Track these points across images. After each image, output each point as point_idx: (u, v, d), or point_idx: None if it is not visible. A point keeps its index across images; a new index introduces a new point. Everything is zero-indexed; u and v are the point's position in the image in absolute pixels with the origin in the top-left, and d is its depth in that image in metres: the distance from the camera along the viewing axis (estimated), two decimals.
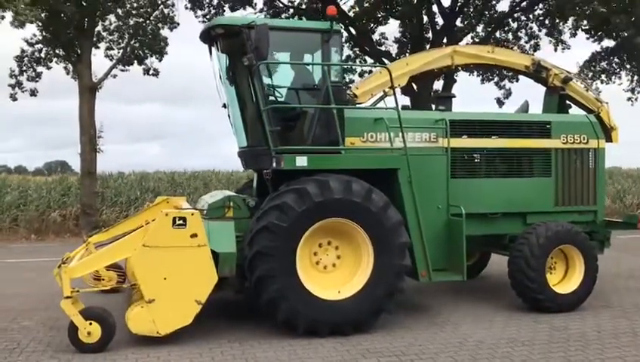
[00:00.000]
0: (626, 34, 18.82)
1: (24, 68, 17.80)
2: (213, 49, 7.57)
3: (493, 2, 21.22)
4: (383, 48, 21.98)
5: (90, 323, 5.77)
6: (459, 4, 20.32)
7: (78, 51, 16.94)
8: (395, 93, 7.22)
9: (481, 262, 9.70)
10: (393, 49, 22.11)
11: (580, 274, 7.51)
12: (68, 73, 18.20)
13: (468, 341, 6.27)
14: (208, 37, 7.40)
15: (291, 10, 21.07)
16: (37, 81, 17.97)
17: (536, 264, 7.21)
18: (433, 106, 8.67)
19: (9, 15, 13.98)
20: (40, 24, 16.11)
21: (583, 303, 7.59)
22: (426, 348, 6.00)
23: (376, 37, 22.26)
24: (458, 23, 21.45)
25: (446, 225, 7.37)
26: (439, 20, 20.82)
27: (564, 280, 7.59)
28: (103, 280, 7.73)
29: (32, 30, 19.46)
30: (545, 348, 6.04)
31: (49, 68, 17.94)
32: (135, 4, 17.63)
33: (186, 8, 18.81)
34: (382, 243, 6.47)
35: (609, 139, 8.56)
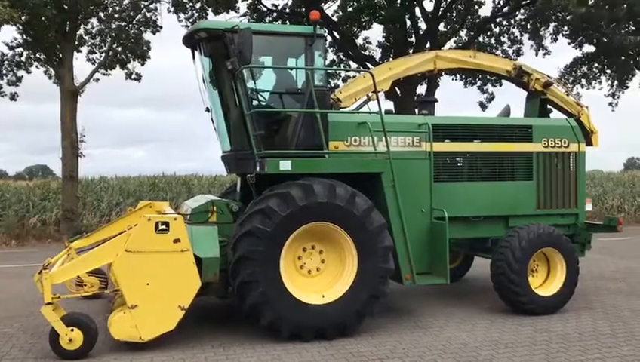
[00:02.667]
0: (607, 38, 19.14)
1: (4, 72, 17.57)
2: (197, 53, 7.56)
3: (476, 7, 21.43)
4: (366, 53, 22.08)
5: (72, 330, 5.70)
6: (442, 8, 20.48)
7: (60, 55, 16.77)
8: (378, 98, 7.26)
9: (464, 265, 9.77)
10: (377, 53, 22.26)
11: (562, 276, 7.59)
12: (50, 78, 18.03)
13: (451, 344, 6.30)
14: (191, 41, 7.38)
15: (275, 14, 21.08)
16: (17, 85, 17.77)
17: (518, 267, 7.27)
18: (416, 111, 8.71)
19: None
20: (20, 27, 15.94)
21: (565, 305, 7.67)
22: (410, 351, 6.02)
23: (359, 41, 22.38)
24: (441, 27, 21.64)
25: (429, 228, 7.41)
26: (422, 25, 20.98)
27: (546, 282, 7.66)
28: (85, 285, 7.66)
29: (12, 33, 19.28)
30: (527, 350, 6.09)
31: (29, 72, 17.75)
32: (117, 8, 17.52)
33: (169, 12, 18.74)
34: (366, 247, 6.49)
35: (589, 143, 8.68)
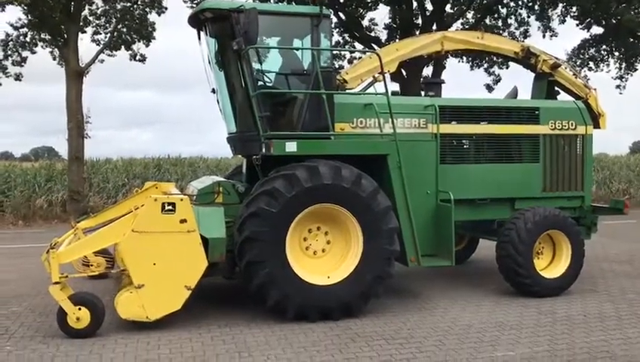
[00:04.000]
0: (616, 18, 18.91)
1: (9, 52, 17.53)
2: (202, 33, 7.51)
3: None
4: (372, 34, 21.90)
5: (79, 309, 5.75)
6: None
7: (65, 36, 16.70)
8: (384, 79, 7.22)
9: (469, 248, 9.78)
10: (383, 35, 22.06)
11: (567, 259, 7.59)
12: (54, 58, 17.98)
13: (456, 325, 6.33)
14: (197, 21, 7.33)
15: None
16: (22, 66, 17.73)
17: (523, 249, 7.27)
18: (422, 92, 8.66)
19: None
20: (25, 7, 15.87)
21: (570, 287, 7.69)
22: (415, 332, 6.06)
23: (365, 22, 22.19)
24: (448, 8, 21.39)
25: (435, 210, 7.41)
26: (429, 6, 20.76)
27: (551, 264, 7.67)
28: (92, 265, 7.70)
29: (17, 14, 19.18)
30: (532, 331, 6.11)
31: (34, 52, 17.71)
32: None
33: None
34: (371, 229, 6.49)
35: (597, 126, 8.62)
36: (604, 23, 21.23)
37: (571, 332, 6.07)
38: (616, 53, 23.11)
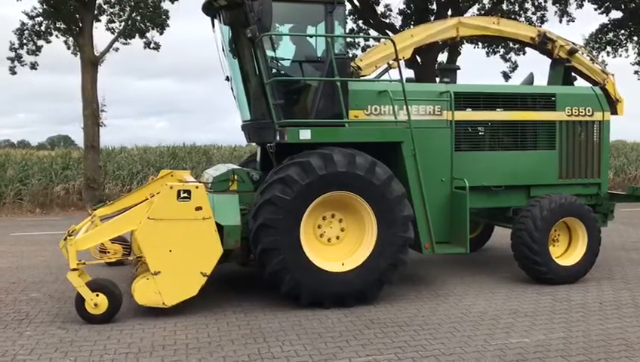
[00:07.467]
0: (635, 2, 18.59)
1: (24, 41, 17.67)
2: (216, 21, 7.52)
3: None
4: (387, 20, 21.75)
5: (97, 295, 5.84)
6: None
7: (80, 24, 16.78)
8: (399, 65, 7.18)
9: (484, 235, 9.74)
10: (397, 21, 21.91)
11: (583, 246, 7.54)
12: (69, 48, 18.09)
13: (470, 312, 6.33)
14: (211, 9, 7.34)
15: None
16: (37, 55, 17.87)
17: (539, 236, 7.23)
18: (437, 79, 8.60)
19: None
20: None
21: (586, 275, 7.64)
22: (429, 319, 6.07)
23: (380, 9, 22.04)
24: None
25: (450, 198, 7.38)
26: None
27: (567, 252, 7.63)
28: (109, 252, 7.80)
29: (32, 2, 19.26)
30: (547, 318, 6.10)
31: (49, 42, 17.82)
32: None
33: None
34: (385, 216, 6.49)
35: (614, 112, 8.52)
36: (623, 7, 20.87)
37: (587, 320, 6.05)
38: (635, 38, 22.75)
